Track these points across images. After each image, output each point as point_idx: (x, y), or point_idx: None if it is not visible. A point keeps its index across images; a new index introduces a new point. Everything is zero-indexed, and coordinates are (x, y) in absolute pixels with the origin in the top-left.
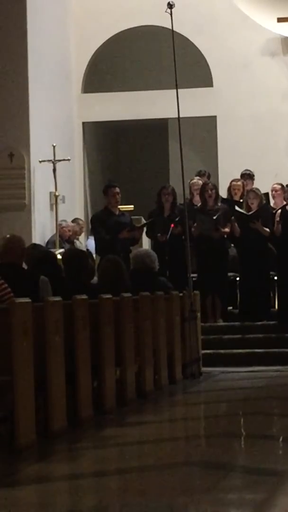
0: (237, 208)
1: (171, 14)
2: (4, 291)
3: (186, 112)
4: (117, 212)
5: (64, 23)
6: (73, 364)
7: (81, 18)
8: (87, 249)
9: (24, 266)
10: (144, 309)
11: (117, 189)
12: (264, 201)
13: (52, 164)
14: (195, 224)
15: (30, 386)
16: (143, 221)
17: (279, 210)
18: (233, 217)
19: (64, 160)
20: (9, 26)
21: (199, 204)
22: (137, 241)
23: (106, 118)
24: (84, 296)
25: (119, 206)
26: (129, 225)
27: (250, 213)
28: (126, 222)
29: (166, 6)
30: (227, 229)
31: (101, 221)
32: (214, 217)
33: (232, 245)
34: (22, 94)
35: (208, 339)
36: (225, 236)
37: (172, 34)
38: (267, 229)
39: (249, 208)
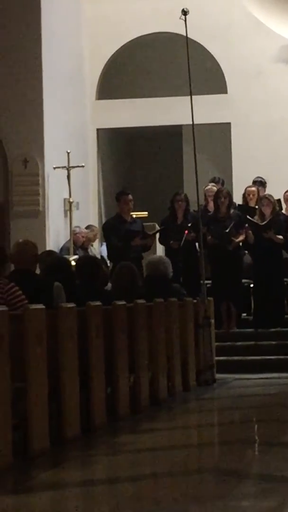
0: (248, 217)
1: (185, 21)
2: (18, 297)
3: (200, 118)
4: (129, 219)
5: (78, 30)
6: (86, 370)
7: (95, 25)
8: (101, 256)
9: (38, 272)
10: (158, 316)
11: (130, 197)
12: (278, 208)
13: (66, 171)
14: (209, 237)
15: (44, 393)
16: (157, 227)
17: None
18: (246, 225)
19: (78, 166)
20: (24, 34)
21: (212, 211)
22: (149, 247)
23: (120, 125)
24: (98, 303)
25: (134, 212)
26: (141, 232)
27: (263, 223)
28: (138, 229)
29: (180, 13)
30: (241, 237)
31: (113, 228)
32: (227, 230)
33: (246, 251)
34: (36, 100)
35: (221, 346)
36: (240, 244)
37: (186, 41)
38: (281, 237)
39: (262, 215)
